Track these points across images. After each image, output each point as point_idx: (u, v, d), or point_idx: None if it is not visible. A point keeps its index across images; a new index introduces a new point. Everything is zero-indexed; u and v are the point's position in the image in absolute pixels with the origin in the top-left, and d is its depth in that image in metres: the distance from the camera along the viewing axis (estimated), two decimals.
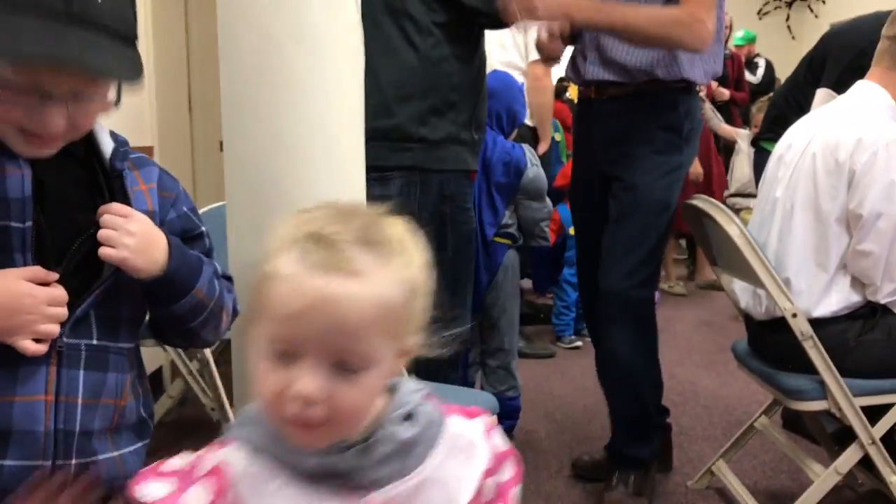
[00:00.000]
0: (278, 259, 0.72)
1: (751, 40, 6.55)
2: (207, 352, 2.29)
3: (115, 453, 1.09)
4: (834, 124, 1.90)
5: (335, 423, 0.71)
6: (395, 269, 0.73)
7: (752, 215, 2.12)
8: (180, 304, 1.11)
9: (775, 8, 10.60)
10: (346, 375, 0.70)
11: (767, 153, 2.20)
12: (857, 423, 1.84)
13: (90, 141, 1.10)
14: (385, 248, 0.73)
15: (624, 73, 2.09)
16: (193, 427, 2.69)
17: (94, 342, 1.06)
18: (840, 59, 2.42)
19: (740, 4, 10.57)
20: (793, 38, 10.50)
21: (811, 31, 10.04)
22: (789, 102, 2.70)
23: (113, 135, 1.14)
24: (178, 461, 0.77)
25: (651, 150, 2.09)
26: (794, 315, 1.81)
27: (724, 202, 4.32)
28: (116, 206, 1.05)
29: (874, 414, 1.86)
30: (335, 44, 1.42)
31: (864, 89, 1.96)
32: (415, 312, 0.75)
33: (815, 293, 1.87)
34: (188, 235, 1.20)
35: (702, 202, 2.03)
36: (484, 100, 2.16)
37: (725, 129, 5.19)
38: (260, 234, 1.36)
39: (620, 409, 2.22)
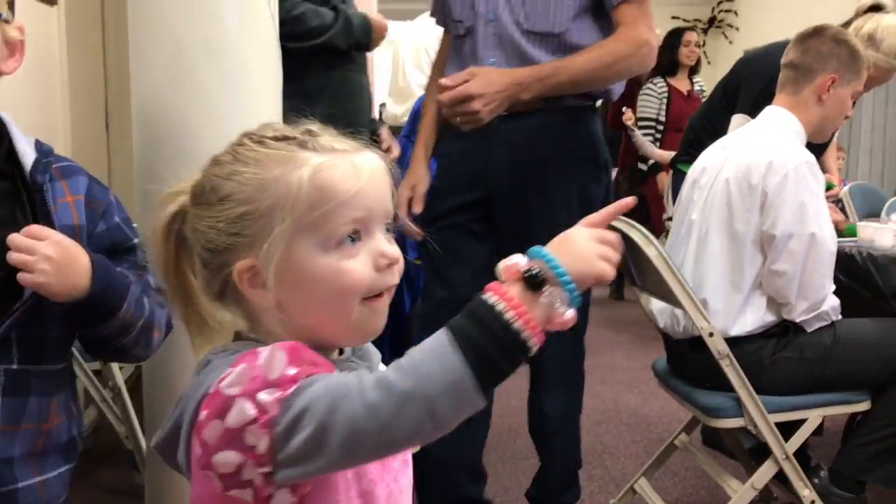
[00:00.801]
0: (297, 161, 0.75)
1: None
2: (120, 380, 2.21)
3: (38, 479, 1.04)
4: (746, 148, 1.96)
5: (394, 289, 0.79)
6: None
7: (669, 237, 2.16)
8: (105, 325, 1.06)
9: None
10: (390, 238, 0.78)
11: (684, 175, 2.26)
12: (771, 439, 1.88)
13: (11, 152, 1.05)
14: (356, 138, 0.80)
15: None
16: (107, 456, 2.58)
17: (14, 367, 1.01)
18: (753, 86, 2.50)
19: (661, 30, 10.91)
20: (709, 62, 10.87)
21: (726, 57, 10.43)
22: (705, 126, 2.78)
23: (38, 144, 1.09)
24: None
25: (572, 185, 1.86)
26: (711, 334, 1.85)
27: (662, 225, 4.44)
28: (33, 229, 1.00)
29: (789, 430, 1.92)
30: (251, 59, 1.39)
31: (773, 114, 2.03)
32: None
33: (730, 313, 1.92)
34: (119, 248, 1.15)
35: (620, 223, 2.06)
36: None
37: (658, 153, 5.30)
38: None
39: (551, 464, 2.08)
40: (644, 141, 5.19)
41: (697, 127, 2.87)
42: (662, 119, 4.99)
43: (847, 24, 2.52)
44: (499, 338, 0.67)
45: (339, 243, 0.74)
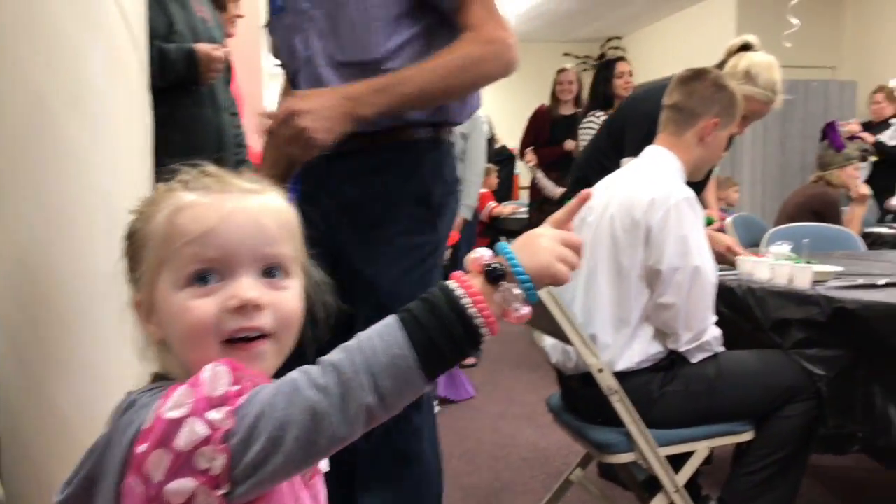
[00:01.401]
0: (170, 199, 0.76)
1: None
2: None
3: None
4: (629, 186, 2.00)
5: (280, 334, 0.76)
6: (277, 191, 0.81)
7: None
8: None
9: (583, 70, 11.32)
10: (275, 283, 0.77)
11: None
12: (661, 472, 1.90)
13: None
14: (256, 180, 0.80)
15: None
16: None
17: None
18: (637, 127, 2.57)
19: (553, 66, 11.24)
20: None
21: None
22: (591, 164, 2.82)
23: None
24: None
25: (397, 230, 1.60)
26: (601, 370, 1.86)
27: None
28: None
29: (681, 460, 1.94)
30: (118, 109, 1.32)
31: (655, 154, 2.09)
32: (299, 233, 0.82)
33: (619, 347, 1.94)
34: None
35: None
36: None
37: (560, 192, 5.39)
38: (29, 313, 1.23)
39: None
40: (546, 183, 5.30)
41: (584, 165, 2.92)
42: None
43: (721, 64, 2.63)
44: (449, 321, 0.71)
45: (188, 282, 0.73)
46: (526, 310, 0.75)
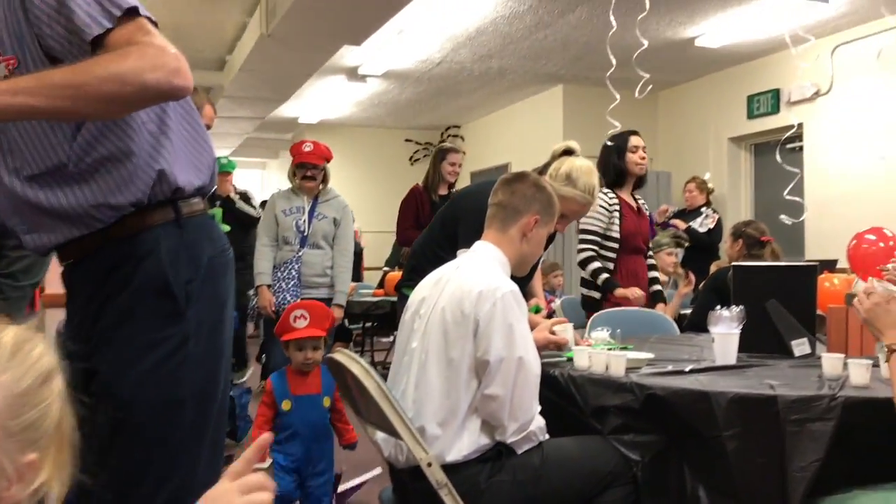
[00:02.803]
0: None
1: (229, 168, 5.58)
2: None
3: None
4: (459, 279, 2.07)
5: None
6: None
7: (392, 365, 2.20)
8: None
9: (424, 155, 11.67)
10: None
11: (408, 298, 2.33)
12: None
13: None
14: None
15: (66, 223, 1.48)
16: None
17: None
18: (469, 221, 2.67)
19: (395, 151, 11.52)
20: None
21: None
22: (426, 253, 2.90)
23: None
24: None
25: (135, 328, 1.47)
26: (429, 464, 1.88)
27: None
28: None
29: None
30: None
31: (482, 248, 2.19)
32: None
33: (448, 438, 1.97)
34: None
35: (341, 356, 2.07)
36: None
37: None
38: None
39: None
40: None
41: (419, 253, 2.99)
42: (615, 236, 3.88)
43: (546, 165, 2.80)
44: None
45: None
46: None
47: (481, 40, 6.98)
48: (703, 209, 6.96)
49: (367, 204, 10.22)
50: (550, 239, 3.03)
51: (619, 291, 3.70)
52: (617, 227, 3.88)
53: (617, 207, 3.90)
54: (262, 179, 14.05)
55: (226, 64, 8.05)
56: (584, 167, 2.74)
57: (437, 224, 3.00)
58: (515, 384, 1.97)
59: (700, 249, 6.30)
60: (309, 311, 2.90)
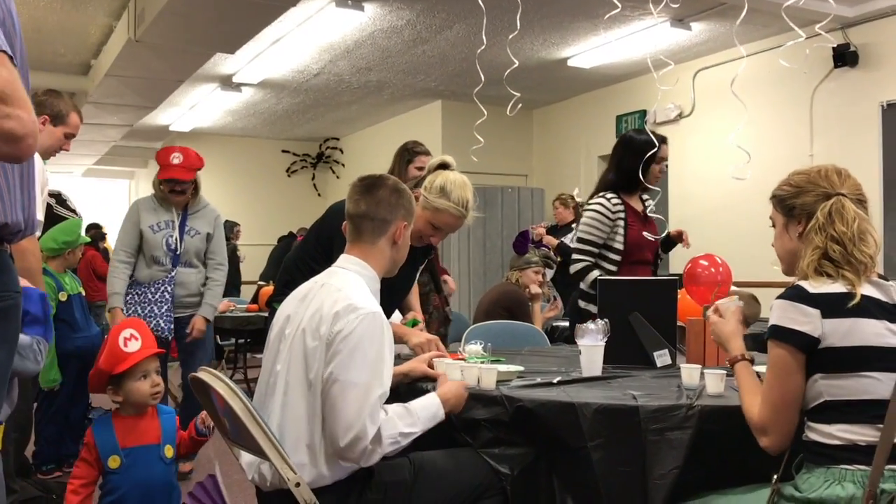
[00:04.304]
0: None
1: None
2: None
3: None
4: (321, 298, 2.00)
5: None
6: None
7: (258, 386, 2.13)
8: None
9: (302, 167, 11.53)
10: None
11: None
12: None
13: None
14: None
15: None
16: None
17: None
18: (342, 236, 2.63)
19: (272, 163, 11.30)
20: (319, 194, 11.49)
21: (334, 190, 11.11)
22: (300, 268, 2.82)
23: None
24: None
25: None
26: (298, 485, 1.83)
27: None
28: None
29: None
30: None
31: (348, 263, 2.12)
32: None
33: (315, 461, 1.91)
34: None
35: (205, 374, 1.99)
36: None
37: None
38: None
39: None
40: None
41: (293, 268, 2.90)
42: (618, 247, 3.52)
43: (420, 180, 2.80)
44: None
45: None
46: None
47: (360, 53, 6.96)
48: (574, 225, 7.17)
49: (243, 217, 9.97)
50: (427, 252, 3.05)
51: None
52: (621, 238, 3.51)
53: (622, 215, 3.52)
54: (130, 190, 13.47)
55: (91, 69, 7.67)
56: (458, 181, 2.76)
57: (311, 237, 2.94)
58: (363, 405, 1.88)
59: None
60: (137, 329, 2.45)
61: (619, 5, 3.96)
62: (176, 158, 4.03)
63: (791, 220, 1.92)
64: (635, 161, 3.49)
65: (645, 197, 3.72)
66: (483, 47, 4.16)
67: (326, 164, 11.46)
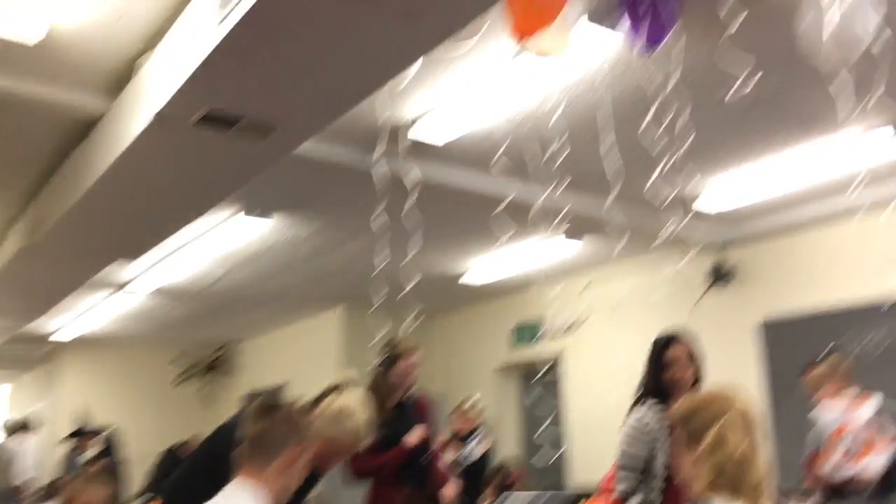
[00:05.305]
0: None
1: None
2: None
3: None
4: None
5: None
6: None
7: None
8: None
9: (191, 376, 11.14)
10: None
11: None
12: None
13: None
14: None
15: None
16: None
17: None
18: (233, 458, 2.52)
19: (162, 371, 10.78)
20: (206, 405, 11.00)
21: (227, 399, 10.72)
22: (188, 488, 2.65)
23: None
24: None
25: None
26: None
27: None
28: None
29: None
30: None
31: (239, 489, 2.04)
32: None
33: None
34: None
35: None
36: None
37: None
38: None
39: None
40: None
41: (180, 488, 2.73)
42: (658, 470, 2.99)
43: (318, 399, 2.75)
44: None
45: None
46: None
47: (261, 262, 7.01)
48: (476, 433, 7.06)
49: (130, 426, 9.39)
50: (315, 480, 2.90)
51: None
52: (662, 458, 2.95)
53: (661, 432, 2.95)
54: (11, 395, 12.56)
55: None
56: (351, 407, 2.72)
57: (199, 456, 2.79)
58: None
59: (475, 473, 6.33)
60: None
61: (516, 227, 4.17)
62: None
63: (688, 443, 1.96)
64: (649, 366, 3.14)
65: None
66: (388, 260, 4.31)
67: (219, 371, 11.11)
